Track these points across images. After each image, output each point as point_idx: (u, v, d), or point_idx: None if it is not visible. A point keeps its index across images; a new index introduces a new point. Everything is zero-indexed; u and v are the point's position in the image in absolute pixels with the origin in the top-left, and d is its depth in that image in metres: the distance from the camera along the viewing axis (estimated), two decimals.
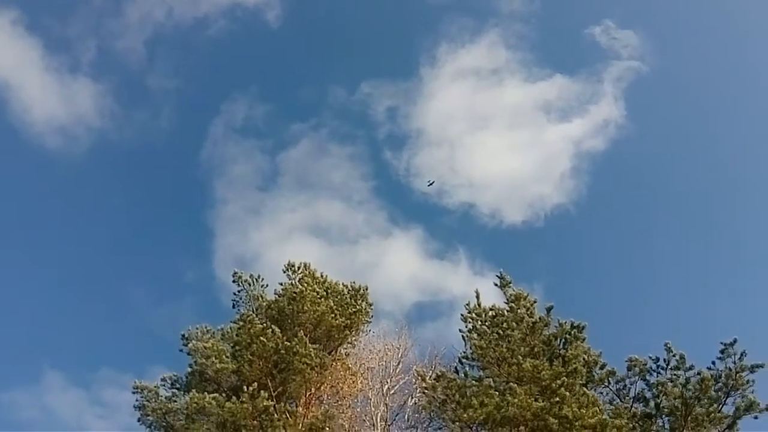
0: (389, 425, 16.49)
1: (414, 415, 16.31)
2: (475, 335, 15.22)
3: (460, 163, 39.53)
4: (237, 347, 16.79)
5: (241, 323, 16.93)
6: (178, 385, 17.70)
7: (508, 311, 15.49)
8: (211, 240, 40.76)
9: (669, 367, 11.97)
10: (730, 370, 11.77)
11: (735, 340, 11.99)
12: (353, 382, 17.65)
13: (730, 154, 37.82)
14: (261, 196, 41.79)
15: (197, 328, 18.52)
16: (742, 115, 38.10)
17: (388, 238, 38.66)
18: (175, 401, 16.39)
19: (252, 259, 38.20)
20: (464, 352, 15.26)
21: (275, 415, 14.04)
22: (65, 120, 39.77)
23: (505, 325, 15.18)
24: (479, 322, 15.41)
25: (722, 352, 11.97)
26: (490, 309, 15.67)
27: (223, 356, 17.00)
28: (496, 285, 16.31)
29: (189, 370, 17.47)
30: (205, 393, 15.14)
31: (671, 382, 11.05)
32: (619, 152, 37.56)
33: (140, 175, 42.20)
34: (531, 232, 36.28)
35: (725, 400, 11.78)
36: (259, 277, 19.74)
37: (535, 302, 15.86)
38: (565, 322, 14.91)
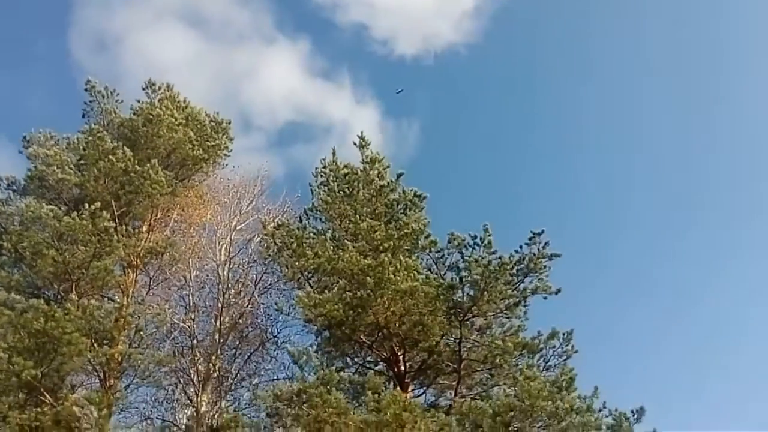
0: (231, 257, 17.34)
1: (258, 250, 17.21)
2: (324, 189, 15.98)
3: None
4: (83, 161, 16.26)
5: (90, 138, 16.25)
6: (14, 188, 17.02)
7: (361, 171, 16.30)
8: (67, 9, 36.15)
9: (483, 244, 13.46)
10: (533, 254, 13.53)
11: (543, 231, 13.61)
12: (203, 211, 18.02)
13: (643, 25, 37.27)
14: None
15: (41, 133, 17.49)
16: None
17: (271, 45, 36.50)
18: (11, 205, 15.83)
19: (114, 41, 34.62)
20: (312, 204, 16.12)
21: (115, 236, 14.17)
22: None
23: (355, 183, 16.04)
24: (331, 178, 16.13)
25: (530, 239, 13.62)
26: (344, 167, 16.34)
27: (66, 167, 16.45)
28: (354, 144, 16.94)
29: (28, 174, 16.78)
30: (43, 203, 14.80)
31: (476, 261, 12.58)
32: (526, 3, 36.48)
33: None
34: (418, 68, 35.78)
35: (523, 280, 13.68)
36: (114, 90, 18.71)
37: (388, 167, 16.74)
38: (410, 190, 16.04)
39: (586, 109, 35.81)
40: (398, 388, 13.77)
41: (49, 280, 13.93)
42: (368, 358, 14.94)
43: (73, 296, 12.85)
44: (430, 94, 35.38)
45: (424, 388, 14.83)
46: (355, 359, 15.12)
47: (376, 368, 14.73)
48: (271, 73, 34.75)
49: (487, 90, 36.53)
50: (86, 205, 14.15)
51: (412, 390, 14.56)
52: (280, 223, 14.97)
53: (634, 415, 10.91)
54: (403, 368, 14.13)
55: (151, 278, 15.98)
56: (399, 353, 14.18)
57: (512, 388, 11.40)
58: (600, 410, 11.10)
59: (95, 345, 12.56)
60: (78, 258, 13.76)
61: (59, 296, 13.84)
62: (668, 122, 34.39)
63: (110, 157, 15.69)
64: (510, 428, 10.90)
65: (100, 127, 17.26)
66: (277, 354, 16.18)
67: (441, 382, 14.36)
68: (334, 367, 12.94)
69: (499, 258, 12.57)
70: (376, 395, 10.75)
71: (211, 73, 35.63)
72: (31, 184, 16.66)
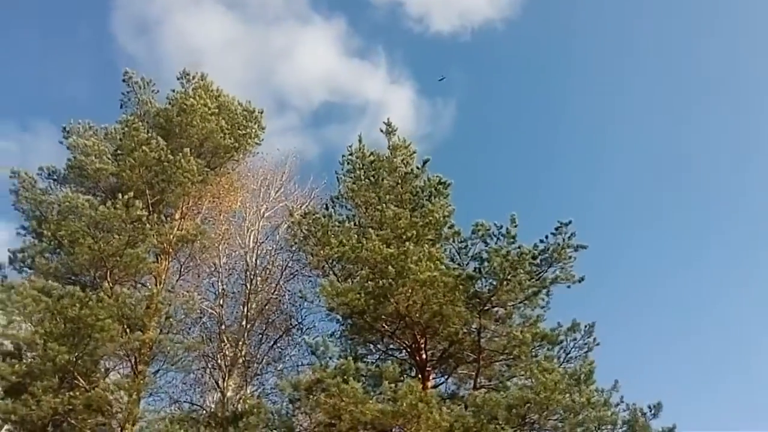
0: (259, 244, 17.71)
1: (285, 238, 17.49)
2: (350, 177, 16.09)
3: None
4: (119, 151, 16.84)
5: (126, 129, 16.77)
6: (55, 177, 17.73)
7: (386, 158, 16.32)
8: None
9: (509, 235, 13.31)
10: (558, 245, 13.33)
11: (570, 221, 13.38)
12: (233, 199, 18.42)
13: None
14: None
15: (80, 123, 18.23)
16: None
17: (306, 24, 36.54)
18: (50, 194, 16.52)
19: (155, 23, 35.22)
20: (339, 191, 16.24)
21: (148, 224, 14.66)
22: None
23: (381, 171, 16.07)
24: (357, 165, 16.21)
25: (557, 229, 13.41)
26: (370, 154, 16.39)
27: (104, 157, 17.09)
28: (381, 131, 16.95)
29: (68, 163, 17.48)
30: (79, 193, 15.47)
31: (496, 252, 12.48)
32: None
33: None
34: (455, 45, 34.98)
35: (546, 270, 13.52)
36: (150, 81, 19.22)
37: (414, 153, 16.74)
38: (434, 177, 15.99)
39: (627, 86, 34.53)
40: (419, 376, 13.96)
41: (85, 267, 14.53)
42: (391, 346, 15.06)
43: (107, 284, 13.39)
44: (467, 72, 34.81)
45: (446, 376, 14.93)
46: (378, 346, 15.26)
47: (399, 356, 14.89)
48: (307, 53, 34.86)
49: (525, 66, 35.70)
50: (120, 196, 14.69)
51: (433, 378, 14.66)
52: (306, 211, 15.17)
53: (651, 410, 10.75)
54: (425, 356, 14.21)
55: (181, 265, 16.50)
56: (421, 341, 14.27)
57: (529, 379, 11.31)
58: (617, 405, 10.96)
59: (127, 331, 13.08)
60: (113, 246, 14.30)
61: (95, 283, 14.41)
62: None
63: (144, 147, 16.18)
64: (526, 420, 10.89)
65: (136, 117, 17.82)
66: (302, 340, 16.53)
67: (461, 371, 14.39)
68: (351, 357, 13.20)
69: (519, 248, 12.44)
70: (393, 385, 10.86)
71: (247, 54, 35.94)
72: (71, 174, 17.37)
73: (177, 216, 17.39)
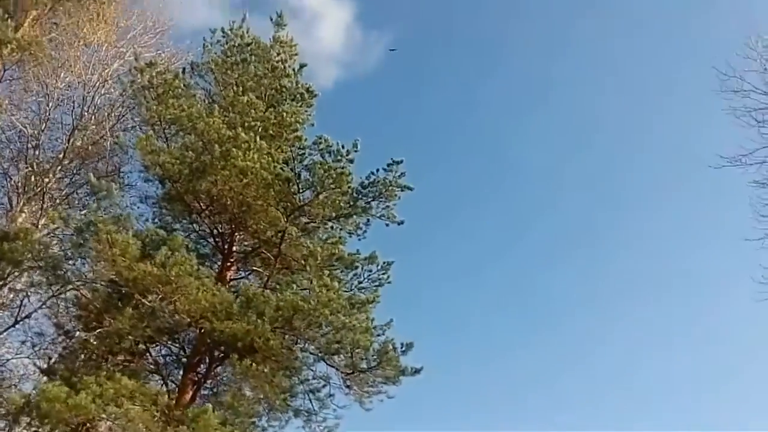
0: (105, 83, 16.45)
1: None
2: (218, 49, 15.26)
3: None
4: None
5: None
6: None
7: (264, 46, 15.63)
8: None
9: (343, 156, 13.22)
10: (388, 181, 13.56)
11: (402, 160, 13.59)
12: (95, 29, 16.84)
13: None
14: None
15: None
16: None
17: None
18: None
19: None
20: (201, 59, 15.40)
21: None
22: None
23: (253, 56, 15.40)
24: (231, 41, 15.38)
25: (389, 166, 13.55)
26: (252, 38, 15.64)
27: None
28: (270, 20, 16.15)
29: None
30: None
31: (320, 165, 12.44)
32: None
33: None
34: None
35: (371, 201, 13.77)
36: None
37: (296, 55, 16.11)
38: (304, 84, 15.63)
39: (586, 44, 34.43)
40: (224, 264, 13.95)
41: None
42: (204, 229, 14.78)
43: None
44: (412, 11, 33.54)
45: (248, 272, 15.04)
46: (192, 225, 14.95)
47: (210, 241, 14.72)
48: None
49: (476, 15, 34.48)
50: None
51: (235, 270, 14.72)
52: (153, 61, 14.18)
53: (402, 347, 11.48)
54: (233, 248, 14.22)
55: (5, 70, 14.96)
56: (236, 234, 14.21)
57: (308, 290, 11.57)
58: (377, 335, 11.56)
59: None
60: None
61: None
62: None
63: None
64: (291, 325, 11.19)
65: None
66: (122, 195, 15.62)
67: (263, 271, 14.50)
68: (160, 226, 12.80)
69: (343, 169, 12.50)
70: (169, 252, 10.65)
71: None
72: None
73: (25, 23, 15.66)
